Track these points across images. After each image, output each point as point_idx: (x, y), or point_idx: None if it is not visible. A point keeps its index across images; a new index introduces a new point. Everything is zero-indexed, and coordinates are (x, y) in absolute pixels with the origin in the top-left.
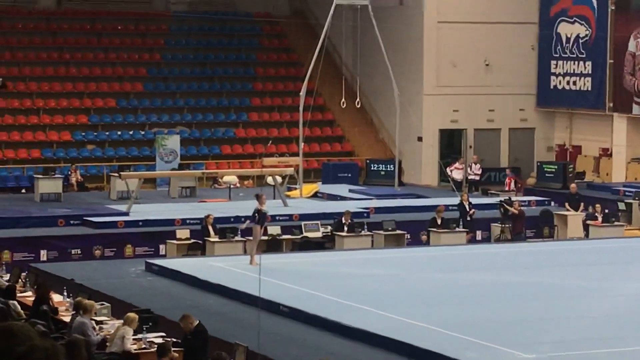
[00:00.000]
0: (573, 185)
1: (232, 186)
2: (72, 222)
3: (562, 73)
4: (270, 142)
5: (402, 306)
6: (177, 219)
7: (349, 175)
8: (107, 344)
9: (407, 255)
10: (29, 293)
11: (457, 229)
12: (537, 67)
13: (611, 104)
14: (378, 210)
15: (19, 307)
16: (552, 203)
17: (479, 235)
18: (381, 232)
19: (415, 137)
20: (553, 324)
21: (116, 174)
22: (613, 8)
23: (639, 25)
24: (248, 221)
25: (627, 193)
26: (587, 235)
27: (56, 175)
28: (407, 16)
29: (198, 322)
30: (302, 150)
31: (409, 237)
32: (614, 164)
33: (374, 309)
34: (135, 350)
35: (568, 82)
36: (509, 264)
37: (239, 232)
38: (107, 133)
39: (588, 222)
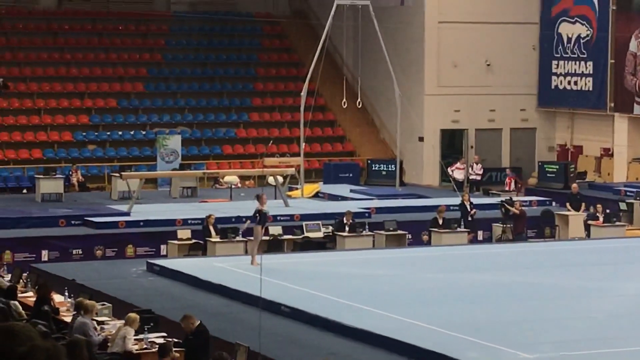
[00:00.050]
0: (574, 185)
1: (233, 186)
2: (73, 222)
3: (563, 73)
4: (272, 142)
5: (404, 306)
6: (178, 219)
7: (350, 175)
8: (109, 344)
9: (408, 256)
10: (30, 293)
11: (458, 229)
12: (538, 67)
13: (612, 104)
14: (379, 210)
15: (20, 307)
16: (554, 203)
17: (480, 235)
18: (382, 232)
19: (416, 137)
20: (554, 324)
21: (117, 174)
22: (614, 8)
23: None
24: (249, 221)
25: (628, 193)
26: (588, 236)
27: (57, 176)
28: (408, 16)
29: (199, 322)
30: (303, 150)
31: (410, 237)
32: (615, 164)
33: (375, 309)
34: (136, 350)
35: (569, 82)
36: (510, 264)
37: (240, 233)
38: (108, 133)
39: (589, 222)
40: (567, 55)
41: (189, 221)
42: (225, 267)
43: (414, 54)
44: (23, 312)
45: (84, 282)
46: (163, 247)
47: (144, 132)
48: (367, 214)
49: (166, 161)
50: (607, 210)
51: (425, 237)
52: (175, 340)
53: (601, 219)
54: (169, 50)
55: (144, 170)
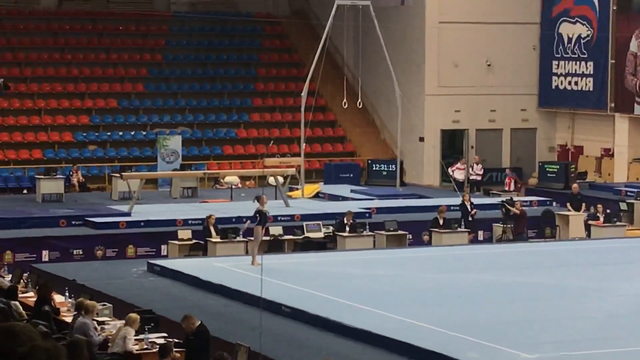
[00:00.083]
0: (575, 185)
1: (233, 186)
2: (73, 222)
3: (563, 73)
4: (272, 142)
5: (404, 306)
6: (179, 220)
7: (351, 175)
8: (109, 344)
9: (408, 256)
10: (31, 293)
11: (458, 229)
12: (538, 68)
13: (613, 104)
14: (380, 210)
15: (20, 307)
16: (554, 203)
17: (480, 235)
18: (383, 232)
19: (416, 138)
20: (554, 324)
21: (118, 175)
22: (615, 8)
23: None
24: (249, 222)
25: (628, 193)
26: (588, 236)
27: (58, 176)
28: (408, 16)
29: (200, 322)
30: (304, 150)
31: (410, 237)
32: (615, 164)
33: (376, 309)
34: (137, 350)
35: (570, 83)
36: (510, 264)
37: (241, 233)
38: (108, 133)
39: (590, 222)
40: (568, 56)
41: (190, 221)
42: (226, 267)
43: (414, 54)
44: (24, 312)
45: (85, 282)
46: (164, 247)
47: (144, 133)
48: (367, 214)
49: (167, 161)
50: (608, 211)
51: (425, 237)
52: (176, 340)
53: (602, 219)
54: (169, 50)
55: (144, 170)
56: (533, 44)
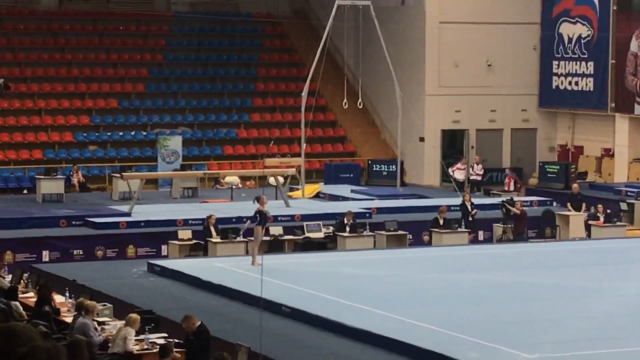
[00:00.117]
0: (575, 185)
1: (234, 187)
2: (74, 222)
3: (564, 73)
4: (272, 142)
5: (404, 306)
6: (179, 220)
7: (351, 175)
8: (109, 344)
9: (409, 256)
10: (31, 294)
11: (459, 230)
12: (539, 68)
13: (613, 105)
14: (380, 210)
15: (20, 308)
16: (554, 203)
17: (481, 235)
18: (383, 232)
19: (417, 138)
20: (555, 324)
21: (118, 175)
22: (615, 8)
23: None
24: (249, 222)
25: (629, 193)
26: (589, 236)
27: (58, 176)
28: (408, 16)
29: (200, 322)
30: (304, 150)
31: (411, 237)
32: (616, 164)
33: (376, 310)
34: (137, 351)
35: (570, 83)
36: (510, 265)
37: (241, 233)
38: (108, 134)
39: (590, 222)
40: (568, 56)
41: (190, 222)
42: (226, 267)
43: (414, 54)
44: (24, 312)
45: (85, 282)
46: (164, 247)
47: (144, 133)
48: (367, 215)
49: (167, 162)
50: (608, 211)
51: (426, 238)
52: (176, 340)
53: (602, 219)
54: (169, 50)
55: (144, 170)
56: (533, 44)
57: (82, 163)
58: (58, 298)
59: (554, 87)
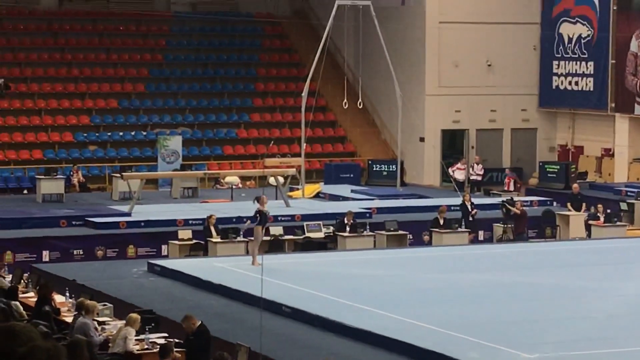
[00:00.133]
0: (575, 185)
1: (234, 187)
2: (74, 222)
3: (564, 73)
4: (272, 142)
5: (404, 306)
6: (179, 220)
7: (351, 175)
8: (110, 344)
9: (409, 256)
10: (31, 294)
11: (459, 229)
12: (539, 68)
13: (613, 104)
14: (380, 210)
15: (21, 307)
16: (554, 203)
17: (481, 235)
18: (383, 232)
19: (417, 138)
20: (555, 324)
21: (118, 175)
22: (615, 8)
23: None
24: (249, 222)
25: (629, 193)
26: (589, 236)
27: (58, 176)
28: (409, 16)
29: (200, 322)
30: (304, 150)
31: (411, 237)
32: (616, 164)
33: (376, 309)
34: (137, 351)
35: (570, 83)
36: (511, 264)
37: (241, 233)
38: (109, 134)
39: (590, 222)
40: (568, 56)
41: (190, 222)
42: (226, 267)
43: (414, 54)
44: (24, 312)
45: (85, 282)
46: (164, 247)
47: (144, 133)
48: (368, 214)
49: (167, 162)
50: (608, 211)
51: (426, 238)
52: (176, 340)
53: (602, 219)
54: (169, 50)
55: (144, 170)
56: (533, 44)
57: (82, 163)
58: (58, 298)
59: (554, 87)
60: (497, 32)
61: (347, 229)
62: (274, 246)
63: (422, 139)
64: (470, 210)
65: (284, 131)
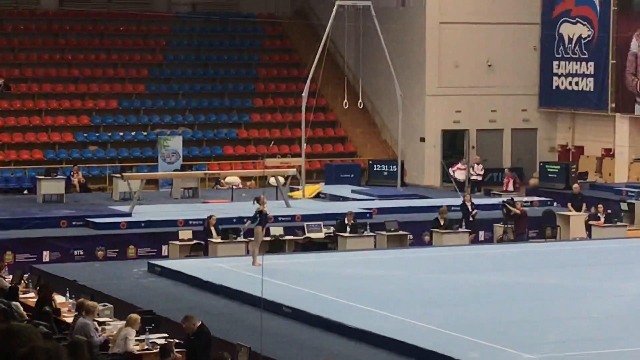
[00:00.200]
0: (576, 185)
1: (234, 187)
2: (74, 223)
3: (564, 73)
4: (273, 142)
5: (405, 307)
6: (180, 220)
7: (352, 176)
8: (110, 345)
9: (409, 256)
10: (32, 294)
11: (459, 230)
12: (539, 68)
13: (613, 105)
14: (380, 210)
15: (21, 308)
16: (555, 203)
17: (481, 235)
18: (384, 232)
19: (417, 138)
20: (555, 324)
21: (118, 175)
22: (615, 9)
23: None
24: (249, 222)
25: (629, 193)
26: (589, 236)
27: (58, 176)
28: (409, 17)
29: (200, 322)
30: (305, 151)
31: (411, 237)
32: (616, 165)
33: (377, 310)
34: (137, 351)
35: (570, 83)
36: (511, 265)
37: (241, 233)
38: (109, 134)
39: (590, 222)
40: (568, 56)
41: (190, 222)
42: (227, 267)
43: (415, 55)
44: (24, 313)
45: (86, 282)
46: (164, 247)
47: (145, 133)
48: (368, 215)
49: (167, 162)
50: (609, 211)
51: (426, 238)
52: (177, 340)
53: (602, 219)
54: (170, 50)
55: (145, 171)
56: (534, 44)
57: (83, 163)
58: (59, 298)
59: (554, 87)
60: (498, 32)
61: (348, 229)
62: (275, 246)
63: (422, 139)
64: (470, 210)
65: (284, 131)
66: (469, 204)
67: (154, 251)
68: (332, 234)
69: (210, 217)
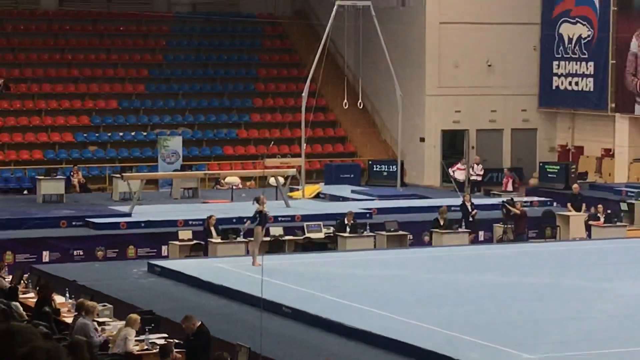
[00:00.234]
0: (575, 185)
1: (234, 187)
2: (74, 223)
3: (564, 74)
4: (273, 143)
5: (405, 307)
6: (180, 220)
7: (352, 176)
8: (110, 345)
9: (409, 256)
10: (31, 294)
11: (459, 230)
12: (539, 68)
13: (613, 105)
14: (380, 211)
15: (21, 308)
16: (555, 203)
17: (481, 235)
18: (383, 232)
19: (417, 138)
20: (555, 324)
21: (118, 175)
22: (615, 9)
23: None
24: (249, 222)
25: (629, 193)
26: (589, 236)
27: (58, 177)
28: (409, 17)
29: (200, 323)
30: (304, 151)
31: (411, 237)
32: (616, 165)
33: (377, 310)
34: (137, 351)
35: (570, 83)
36: (511, 265)
37: (241, 233)
38: (109, 134)
39: (590, 222)
40: (568, 56)
41: (190, 222)
42: (226, 267)
43: (415, 55)
44: (24, 313)
45: (85, 283)
46: (164, 248)
47: (145, 133)
48: (368, 215)
49: (167, 162)
50: (608, 211)
51: (426, 238)
52: (177, 341)
53: (602, 219)
54: (170, 51)
55: (145, 171)
56: (533, 45)
57: (83, 163)
58: (58, 298)
59: (554, 87)
60: (497, 33)
61: (348, 229)
62: (274, 246)
63: (422, 139)
64: (470, 210)
65: (284, 131)
66: (468, 204)
67: (153, 251)
68: (332, 234)
69: (210, 217)
